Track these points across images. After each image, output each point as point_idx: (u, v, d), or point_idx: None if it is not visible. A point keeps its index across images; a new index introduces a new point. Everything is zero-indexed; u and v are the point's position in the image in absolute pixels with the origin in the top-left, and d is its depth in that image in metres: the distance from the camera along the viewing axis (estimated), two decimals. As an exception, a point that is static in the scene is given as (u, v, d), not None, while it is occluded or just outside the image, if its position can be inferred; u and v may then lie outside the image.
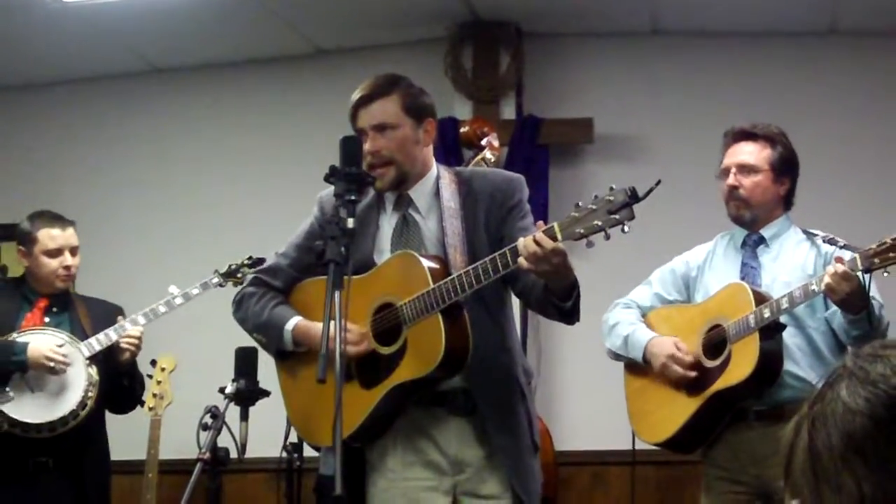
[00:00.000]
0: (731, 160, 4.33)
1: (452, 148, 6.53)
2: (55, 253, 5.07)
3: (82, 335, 5.03)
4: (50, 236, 5.08)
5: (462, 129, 6.22)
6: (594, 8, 6.61)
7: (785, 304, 4.00)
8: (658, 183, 3.26)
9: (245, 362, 4.39)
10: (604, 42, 6.88)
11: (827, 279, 3.86)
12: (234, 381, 4.31)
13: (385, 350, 3.70)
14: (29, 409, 4.86)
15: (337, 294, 3.31)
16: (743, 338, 4.06)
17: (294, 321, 3.84)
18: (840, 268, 3.85)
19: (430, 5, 6.56)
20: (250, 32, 6.84)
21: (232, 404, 4.48)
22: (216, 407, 4.15)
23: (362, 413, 3.69)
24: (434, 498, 3.72)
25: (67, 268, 5.09)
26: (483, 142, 6.03)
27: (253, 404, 4.35)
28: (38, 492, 4.86)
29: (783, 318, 4.07)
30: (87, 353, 4.97)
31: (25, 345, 4.87)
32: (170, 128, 7.27)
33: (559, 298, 3.54)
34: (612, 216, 3.27)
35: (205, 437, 4.10)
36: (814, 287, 3.94)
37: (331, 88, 7.09)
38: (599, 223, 3.28)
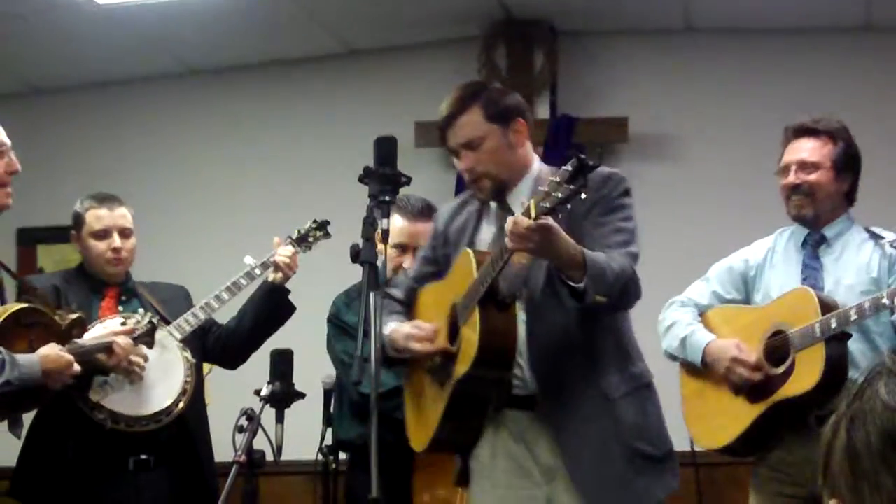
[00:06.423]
0: (792, 157, 4.21)
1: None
2: (102, 234, 4.73)
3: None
4: (96, 217, 4.73)
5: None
6: (628, 6, 6.59)
7: (853, 317, 3.86)
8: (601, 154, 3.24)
9: (280, 364, 4.38)
10: (638, 40, 6.86)
11: None
12: (269, 383, 4.30)
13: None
14: (130, 402, 4.57)
15: (372, 295, 3.33)
16: (808, 347, 3.93)
17: (390, 327, 3.82)
18: None
19: (463, 4, 6.55)
20: (285, 33, 6.86)
21: (267, 406, 4.48)
22: (252, 409, 4.14)
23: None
24: None
25: (116, 250, 4.73)
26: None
27: (288, 406, 4.34)
28: (138, 491, 4.66)
29: None
30: (180, 336, 4.72)
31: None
32: (205, 129, 7.30)
33: (571, 279, 3.46)
34: (568, 186, 3.24)
35: (240, 439, 4.09)
36: (884, 301, 3.81)
37: (365, 88, 7.12)
38: (559, 195, 3.26)
